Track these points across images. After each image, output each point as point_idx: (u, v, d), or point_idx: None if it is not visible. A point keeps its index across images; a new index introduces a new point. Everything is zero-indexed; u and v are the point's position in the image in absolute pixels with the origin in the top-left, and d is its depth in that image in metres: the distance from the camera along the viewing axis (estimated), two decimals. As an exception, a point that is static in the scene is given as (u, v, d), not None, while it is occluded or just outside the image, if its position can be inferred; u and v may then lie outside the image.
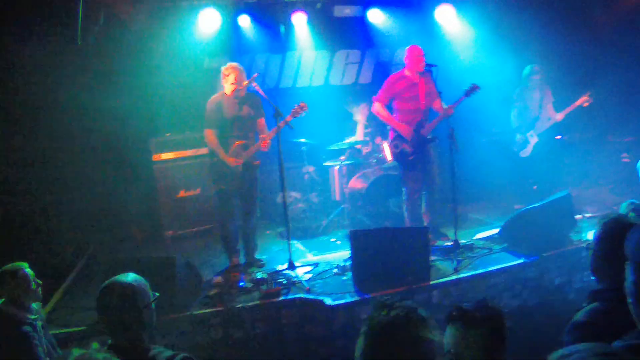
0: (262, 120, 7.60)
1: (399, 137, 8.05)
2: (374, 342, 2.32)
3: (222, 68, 7.45)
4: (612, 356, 1.69)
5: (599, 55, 10.69)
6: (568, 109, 9.23)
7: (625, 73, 10.18)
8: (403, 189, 8.28)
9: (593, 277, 4.49)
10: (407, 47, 8.09)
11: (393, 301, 2.38)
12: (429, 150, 8.17)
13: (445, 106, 7.71)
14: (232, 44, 10.10)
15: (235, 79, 7.30)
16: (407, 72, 8.10)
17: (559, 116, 9.25)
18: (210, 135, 7.45)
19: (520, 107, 9.64)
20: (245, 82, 7.31)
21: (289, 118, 7.17)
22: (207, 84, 9.61)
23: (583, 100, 9.05)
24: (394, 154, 8.23)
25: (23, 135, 7.98)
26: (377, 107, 8.16)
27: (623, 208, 5.32)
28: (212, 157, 7.53)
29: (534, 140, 9.45)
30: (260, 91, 7.31)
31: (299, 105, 7.26)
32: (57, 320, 6.14)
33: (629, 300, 2.23)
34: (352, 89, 11.45)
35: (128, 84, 8.64)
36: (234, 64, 7.44)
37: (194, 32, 9.50)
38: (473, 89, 7.59)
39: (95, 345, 2.24)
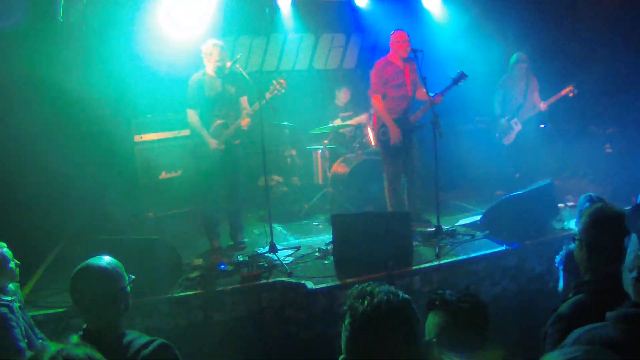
0: (244, 99, 7.55)
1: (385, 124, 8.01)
2: (361, 333, 2.26)
3: (203, 47, 7.37)
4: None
5: (584, 47, 10.73)
6: (552, 99, 9.28)
7: (609, 65, 10.23)
8: (384, 175, 8.26)
9: (556, 265, 4.53)
10: (392, 32, 8.03)
11: (372, 288, 2.33)
12: (414, 140, 8.18)
13: (431, 94, 7.66)
14: (216, 25, 10.01)
15: (217, 57, 7.23)
16: (391, 58, 8.05)
17: (543, 106, 9.30)
18: (192, 115, 7.40)
19: (504, 94, 9.70)
20: (229, 63, 7.25)
21: (268, 95, 7.11)
22: (189, 64, 9.54)
23: (568, 91, 9.10)
24: (380, 141, 8.16)
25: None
26: (376, 102, 8.06)
27: (580, 201, 5.34)
28: (194, 138, 7.48)
29: (517, 127, 9.49)
30: (244, 73, 7.25)
31: (277, 81, 7.21)
32: (36, 301, 6.07)
33: (633, 274, 2.24)
34: (336, 74, 11.45)
35: (110, 64, 8.54)
36: (216, 41, 7.36)
37: (177, 11, 9.41)
38: (461, 77, 7.63)
39: (75, 338, 2.19)
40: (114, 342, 3.07)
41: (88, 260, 3.23)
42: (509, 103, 9.65)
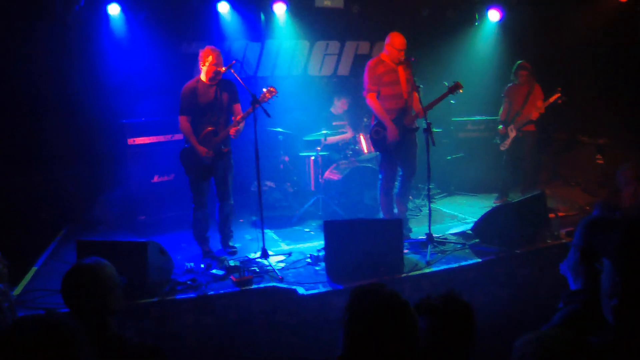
0: (237, 106, 7.53)
1: (380, 123, 7.94)
2: (360, 331, 2.29)
3: (201, 50, 7.38)
4: (567, 343, 1.70)
5: (574, 58, 10.79)
6: (542, 107, 9.37)
7: (600, 76, 10.29)
8: (379, 175, 8.27)
9: (564, 275, 4.48)
10: (390, 34, 8.00)
11: (374, 288, 2.36)
12: (412, 139, 8.11)
13: (422, 104, 7.65)
14: (211, 30, 10.05)
15: (214, 61, 7.24)
16: (383, 58, 8.01)
17: (534, 114, 9.38)
18: (184, 121, 7.40)
19: (508, 102, 9.88)
20: (224, 69, 7.24)
21: (258, 103, 7.11)
22: (184, 68, 9.57)
23: (556, 98, 9.22)
24: (374, 141, 8.13)
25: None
26: (372, 101, 7.97)
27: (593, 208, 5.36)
28: (186, 144, 7.49)
29: (512, 134, 9.73)
30: (238, 78, 7.25)
31: (267, 90, 7.20)
32: (27, 302, 6.05)
33: (614, 301, 2.19)
34: (330, 80, 11.48)
35: (106, 67, 8.56)
36: (213, 47, 7.38)
37: (173, 16, 9.45)
38: (456, 87, 7.60)
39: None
40: (105, 342, 3.07)
41: (80, 261, 3.25)
42: (509, 110, 9.87)
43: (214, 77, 7.28)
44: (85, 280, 3.15)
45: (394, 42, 7.84)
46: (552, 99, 9.30)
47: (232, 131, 7.27)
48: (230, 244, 7.82)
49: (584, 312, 2.92)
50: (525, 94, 9.70)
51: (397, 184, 8.31)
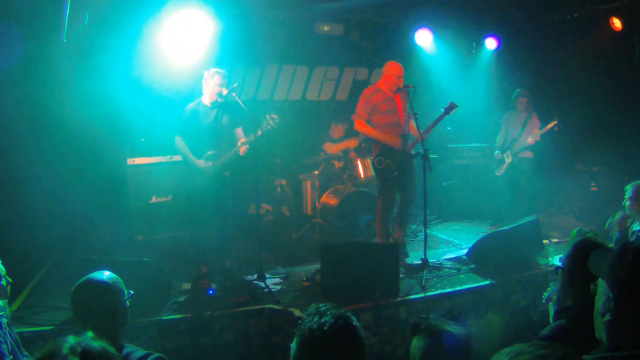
0: (239, 130, 7.61)
1: (382, 153, 8.00)
2: (304, 348, 2.37)
3: (205, 72, 7.45)
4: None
5: (570, 86, 10.90)
6: (539, 133, 9.55)
7: (594, 105, 10.40)
8: (379, 202, 8.30)
9: (544, 301, 4.55)
10: (387, 62, 8.13)
11: (327, 309, 2.42)
12: (412, 166, 8.20)
13: (420, 130, 7.73)
14: (211, 53, 10.11)
15: (220, 81, 7.32)
16: (380, 86, 8.12)
17: (531, 139, 9.60)
18: (179, 141, 7.48)
19: (506, 129, 10.12)
20: (225, 91, 7.32)
21: (260, 130, 7.19)
22: (184, 91, 9.62)
23: (552, 125, 9.38)
24: (377, 170, 8.18)
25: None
26: (360, 125, 8.11)
27: (573, 235, 5.44)
28: (185, 165, 7.54)
29: (508, 160, 9.92)
30: (239, 101, 7.34)
31: (270, 116, 7.26)
32: (24, 318, 6.08)
33: (607, 318, 2.25)
34: (328, 105, 11.55)
35: (107, 86, 8.60)
36: (218, 69, 7.46)
37: (174, 39, 9.52)
38: (451, 107, 7.71)
39: (90, 333, 2.26)
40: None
41: (90, 274, 3.31)
42: (507, 136, 10.11)
43: (216, 100, 7.36)
44: (96, 292, 3.22)
45: (392, 70, 7.95)
46: (548, 127, 9.45)
47: (241, 150, 7.31)
48: (228, 265, 7.85)
49: (573, 326, 3.02)
50: (522, 121, 9.89)
51: (395, 210, 8.38)
